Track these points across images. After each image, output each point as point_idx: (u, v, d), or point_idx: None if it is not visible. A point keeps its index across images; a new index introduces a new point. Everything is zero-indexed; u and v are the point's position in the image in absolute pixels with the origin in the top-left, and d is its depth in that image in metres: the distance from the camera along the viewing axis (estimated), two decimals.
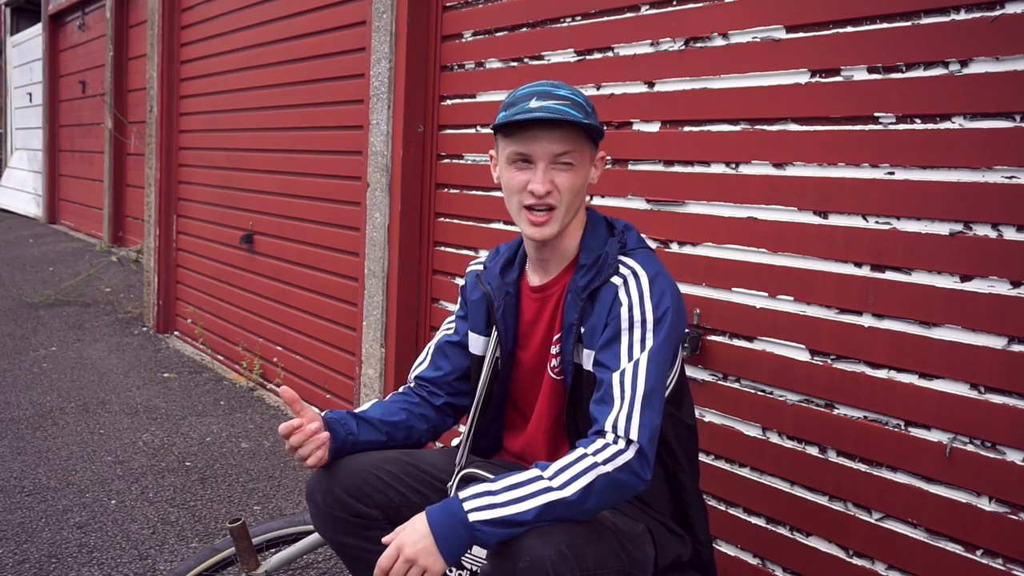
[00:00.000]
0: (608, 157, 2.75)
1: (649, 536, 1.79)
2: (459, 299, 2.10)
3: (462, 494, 1.59)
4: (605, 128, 2.73)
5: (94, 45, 9.54)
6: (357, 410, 2.00)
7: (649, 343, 1.72)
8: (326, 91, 4.28)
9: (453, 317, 2.11)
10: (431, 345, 2.10)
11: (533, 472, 1.61)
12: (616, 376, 1.70)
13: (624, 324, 1.73)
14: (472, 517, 1.55)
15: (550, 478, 1.59)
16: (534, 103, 1.77)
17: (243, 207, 5.12)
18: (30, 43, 12.34)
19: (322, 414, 1.92)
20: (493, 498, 1.57)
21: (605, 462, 1.61)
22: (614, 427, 1.65)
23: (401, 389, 2.08)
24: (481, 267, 2.04)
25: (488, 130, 1.91)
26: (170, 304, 6.10)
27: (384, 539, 1.61)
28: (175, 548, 2.99)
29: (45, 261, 8.76)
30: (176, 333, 6.04)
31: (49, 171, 11.26)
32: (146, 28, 6.23)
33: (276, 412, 4.50)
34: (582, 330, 1.80)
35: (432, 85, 3.55)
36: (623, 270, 1.79)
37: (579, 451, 1.63)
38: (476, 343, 2.01)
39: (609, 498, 1.62)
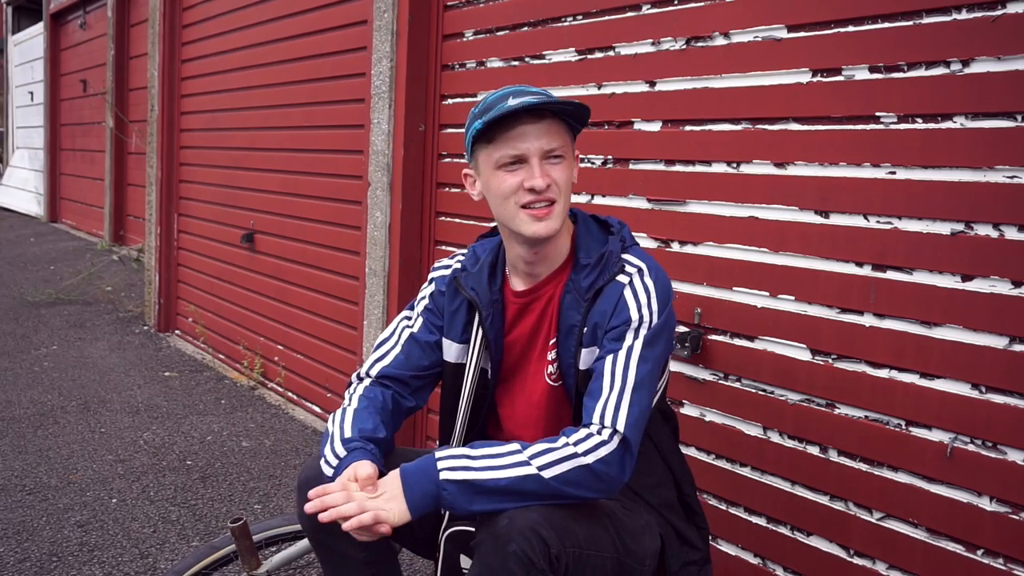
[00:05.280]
0: (609, 157, 2.75)
1: (655, 532, 1.75)
2: (421, 295, 1.96)
3: (439, 453, 1.60)
4: (606, 127, 2.74)
5: (95, 44, 9.54)
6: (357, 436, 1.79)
7: (643, 334, 1.69)
8: (327, 90, 4.27)
9: (412, 313, 1.95)
10: (399, 335, 1.93)
11: (513, 446, 1.60)
12: (608, 364, 1.67)
13: (634, 324, 1.69)
14: (443, 476, 1.56)
15: (530, 457, 1.58)
16: (512, 101, 1.69)
17: (244, 206, 5.12)
18: (31, 42, 12.35)
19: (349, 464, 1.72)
20: (469, 461, 1.58)
21: (585, 453, 1.58)
22: (601, 417, 1.62)
23: (361, 391, 1.87)
24: (459, 269, 1.91)
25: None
26: (171, 303, 6.10)
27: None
28: (176, 547, 2.99)
29: (46, 260, 8.76)
30: (177, 332, 6.05)
31: (50, 170, 11.27)
32: (147, 27, 6.23)
33: (277, 411, 4.50)
34: (584, 331, 1.74)
35: (433, 84, 3.55)
36: (628, 268, 1.75)
37: (562, 439, 1.60)
38: (452, 350, 1.90)
39: (586, 488, 1.58)
